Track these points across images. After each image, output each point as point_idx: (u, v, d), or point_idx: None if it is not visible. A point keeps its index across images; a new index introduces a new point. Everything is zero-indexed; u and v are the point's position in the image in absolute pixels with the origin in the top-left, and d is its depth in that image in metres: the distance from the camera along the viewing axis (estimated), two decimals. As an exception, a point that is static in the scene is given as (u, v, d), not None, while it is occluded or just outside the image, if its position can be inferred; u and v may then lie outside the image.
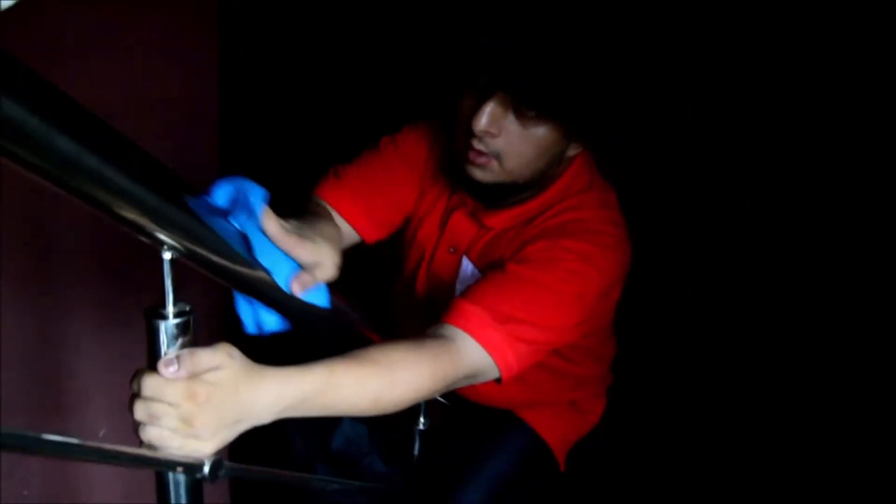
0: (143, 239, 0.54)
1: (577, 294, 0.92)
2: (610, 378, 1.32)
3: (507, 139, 0.90)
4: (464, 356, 0.85)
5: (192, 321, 0.58)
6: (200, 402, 0.55)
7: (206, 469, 0.59)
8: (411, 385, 0.78)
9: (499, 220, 1.04)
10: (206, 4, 1.26)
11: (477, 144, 0.90)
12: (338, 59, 2.03)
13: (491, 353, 0.86)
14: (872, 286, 1.73)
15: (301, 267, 0.78)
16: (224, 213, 0.70)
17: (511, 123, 0.89)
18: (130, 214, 0.49)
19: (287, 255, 0.76)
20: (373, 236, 1.09)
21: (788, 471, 1.74)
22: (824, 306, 1.79)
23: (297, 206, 1.01)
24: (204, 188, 0.69)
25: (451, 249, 1.11)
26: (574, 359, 1.15)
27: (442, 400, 1.27)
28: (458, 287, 1.10)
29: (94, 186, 0.45)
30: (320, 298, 0.81)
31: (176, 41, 1.15)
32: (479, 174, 0.94)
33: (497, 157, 0.91)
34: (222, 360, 0.58)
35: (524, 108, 0.88)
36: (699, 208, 2.01)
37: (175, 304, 0.58)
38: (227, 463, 0.62)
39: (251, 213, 0.71)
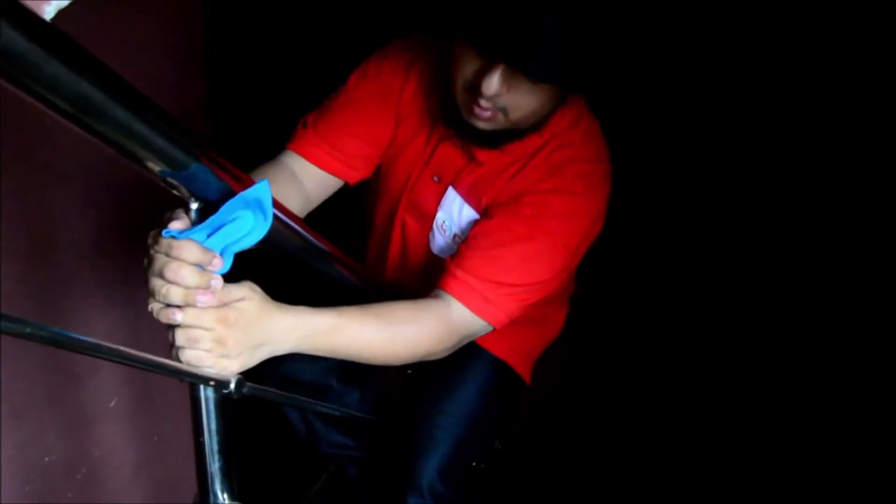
0: (175, 192, 0.66)
1: (563, 245, 1.00)
2: (572, 288, 1.36)
3: (514, 95, 0.89)
4: (460, 322, 0.95)
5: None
6: (230, 324, 0.68)
7: (233, 385, 0.71)
8: (410, 343, 0.90)
9: (491, 156, 1.04)
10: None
11: (484, 103, 0.90)
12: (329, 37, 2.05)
13: (484, 318, 0.97)
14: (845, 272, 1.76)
15: None
16: None
17: (521, 81, 0.87)
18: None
19: None
20: (354, 177, 1.10)
21: (746, 396, 1.85)
22: (799, 261, 1.85)
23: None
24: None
25: (436, 178, 1.11)
26: None
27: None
28: (440, 214, 1.12)
29: (149, 153, 0.58)
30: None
31: (164, 35, 1.21)
32: (482, 125, 0.95)
33: (503, 110, 0.92)
34: (246, 292, 0.71)
35: None
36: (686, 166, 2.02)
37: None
38: (248, 383, 0.74)
39: None
